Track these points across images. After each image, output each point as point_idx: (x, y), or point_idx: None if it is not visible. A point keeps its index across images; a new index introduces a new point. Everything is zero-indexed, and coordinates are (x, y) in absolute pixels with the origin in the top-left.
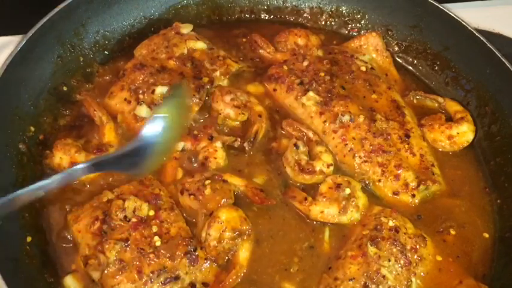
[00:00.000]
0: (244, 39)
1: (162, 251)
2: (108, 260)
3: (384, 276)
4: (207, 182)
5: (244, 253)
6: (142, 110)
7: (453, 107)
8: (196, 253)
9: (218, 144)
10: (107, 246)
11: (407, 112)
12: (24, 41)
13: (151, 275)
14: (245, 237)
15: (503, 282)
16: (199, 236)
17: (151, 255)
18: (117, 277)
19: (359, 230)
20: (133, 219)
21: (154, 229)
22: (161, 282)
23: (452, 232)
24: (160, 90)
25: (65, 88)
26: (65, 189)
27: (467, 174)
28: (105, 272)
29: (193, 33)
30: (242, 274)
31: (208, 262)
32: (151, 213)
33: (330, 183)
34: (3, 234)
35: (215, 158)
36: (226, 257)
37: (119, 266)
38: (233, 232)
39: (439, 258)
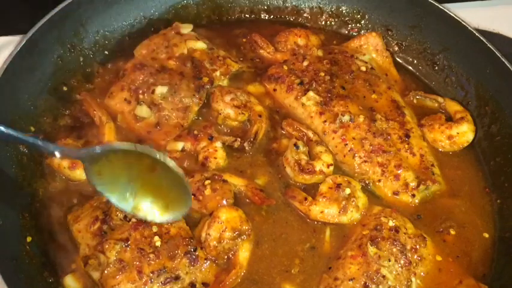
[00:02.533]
0: (244, 39)
1: (162, 251)
2: (108, 260)
3: (384, 276)
4: (207, 182)
5: (244, 253)
6: (143, 110)
7: (453, 107)
8: (197, 253)
9: (218, 144)
10: (107, 246)
11: (407, 112)
12: (24, 41)
13: (151, 275)
14: (245, 237)
15: (503, 282)
16: (199, 236)
17: (152, 255)
18: (117, 277)
19: (359, 230)
20: (133, 219)
21: (154, 229)
22: (161, 282)
23: (452, 232)
24: (160, 90)
25: (65, 88)
26: (65, 189)
27: (467, 174)
28: (105, 272)
29: (193, 33)
30: (242, 274)
31: (208, 262)
32: None
33: (330, 183)
34: (3, 234)
35: (215, 158)
36: (226, 257)
37: (119, 266)
38: (233, 232)
39: (439, 258)
